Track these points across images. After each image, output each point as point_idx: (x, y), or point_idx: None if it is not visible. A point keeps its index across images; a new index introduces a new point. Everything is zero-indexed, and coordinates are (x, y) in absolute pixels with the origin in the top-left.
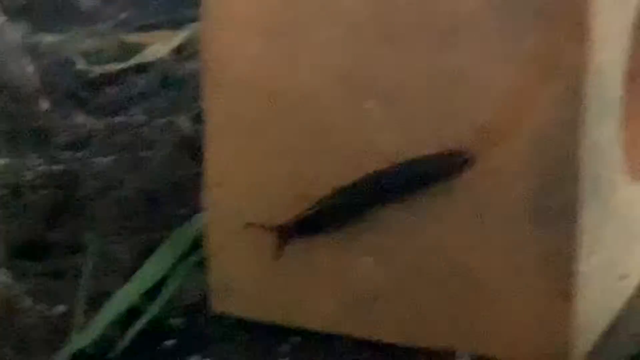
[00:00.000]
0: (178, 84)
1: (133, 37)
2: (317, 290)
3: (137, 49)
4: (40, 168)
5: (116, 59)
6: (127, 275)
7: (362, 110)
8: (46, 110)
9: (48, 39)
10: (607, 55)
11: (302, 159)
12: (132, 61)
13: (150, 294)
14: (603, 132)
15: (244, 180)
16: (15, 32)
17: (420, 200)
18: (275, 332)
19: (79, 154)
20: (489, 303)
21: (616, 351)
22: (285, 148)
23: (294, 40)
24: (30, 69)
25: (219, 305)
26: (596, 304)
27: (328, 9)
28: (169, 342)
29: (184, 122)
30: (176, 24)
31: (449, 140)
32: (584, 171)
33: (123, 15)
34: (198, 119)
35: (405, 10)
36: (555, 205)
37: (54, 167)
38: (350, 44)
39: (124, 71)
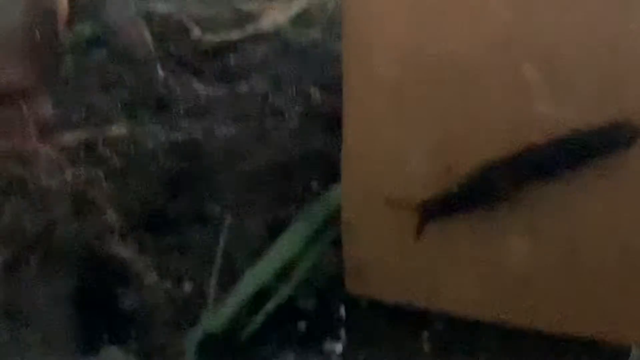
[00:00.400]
0: (299, 54)
1: (249, 6)
2: (462, 272)
3: (252, 17)
4: (161, 137)
5: (232, 28)
6: (257, 252)
7: (520, 76)
8: (164, 78)
9: (162, 7)
10: None
11: (451, 128)
12: (249, 30)
13: (282, 273)
14: None
15: (385, 151)
16: (130, 1)
17: (582, 176)
18: (415, 317)
19: (201, 123)
20: None
21: None
22: (433, 117)
23: (442, 2)
24: (146, 36)
25: (354, 286)
26: None
27: None
28: (301, 325)
29: (312, 92)
30: None
31: (615, 110)
32: None
33: None
34: (326, 88)
35: None
36: None
37: (176, 136)
38: (508, 5)
39: (240, 40)
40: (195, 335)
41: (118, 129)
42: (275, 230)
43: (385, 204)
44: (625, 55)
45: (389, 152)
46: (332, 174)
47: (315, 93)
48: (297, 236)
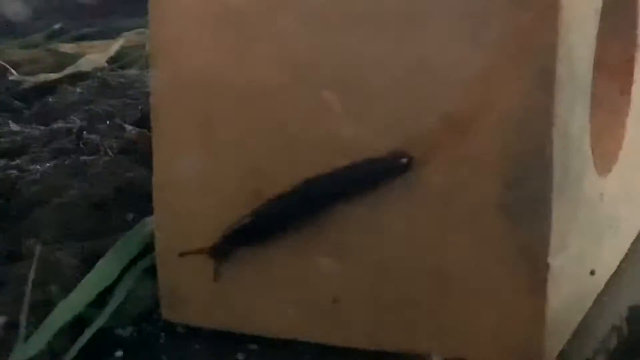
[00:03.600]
0: (116, 92)
1: (67, 47)
2: (272, 294)
3: (72, 59)
4: None
5: (51, 70)
6: (73, 284)
7: (320, 102)
8: None
9: None
10: (578, 38)
11: (257, 155)
12: (67, 71)
13: (98, 302)
14: (574, 119)
15: (195, 179)
16: None
17: (380, 195)
18: (231, 340)
19: (17, 161)
20: (457, 302)
21: (588, 350)
22: (239, 144)
23: (246, 29)
24: None
25: (170, 313)
26: (568, 301)
27: None
28: (118, 353)
29: (127, 128)
30: (110, 34)
31: (413, 130)
32: (555, 161)
33: (56, 27)
34: (140, 123)
35: None
36: (525, 196)
37: None
38: (306, 33)
39: (59, 81)
40: None
41: None
42: (92, 261)
43: (180, 256)
44: (423, 77)
45: (200, 180)
46: (147, 206)
47: (130, 129)
48: (113, 265)
